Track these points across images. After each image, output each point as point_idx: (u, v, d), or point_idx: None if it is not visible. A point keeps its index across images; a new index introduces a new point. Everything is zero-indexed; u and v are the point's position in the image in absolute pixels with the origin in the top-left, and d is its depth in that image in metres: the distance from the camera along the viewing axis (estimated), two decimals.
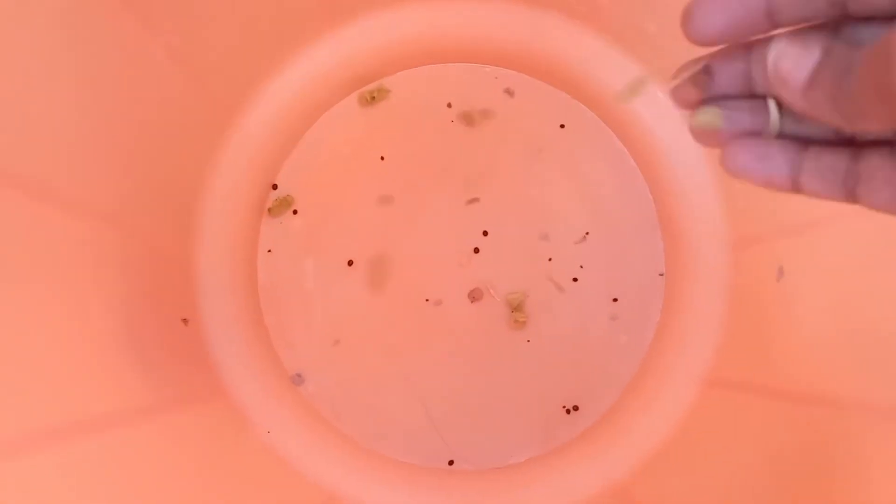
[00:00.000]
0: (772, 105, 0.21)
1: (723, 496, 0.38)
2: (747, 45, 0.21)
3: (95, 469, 0.30)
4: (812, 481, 0.34)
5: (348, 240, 0.46)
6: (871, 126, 0.17)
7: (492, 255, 0.46)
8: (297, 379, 0.44)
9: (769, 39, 0.20)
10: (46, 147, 0.31)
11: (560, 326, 0.45)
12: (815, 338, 0.38)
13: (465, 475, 0.44)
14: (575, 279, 0.45)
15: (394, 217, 0.46)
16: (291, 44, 0.46)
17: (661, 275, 0.46)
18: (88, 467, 0.30)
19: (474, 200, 0.46)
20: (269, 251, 0.46)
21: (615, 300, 0.45)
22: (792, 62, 0.19)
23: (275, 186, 0.46)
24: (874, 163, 0.19)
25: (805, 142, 0.21)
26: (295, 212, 0.46)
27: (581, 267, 0.46)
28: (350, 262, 0.45)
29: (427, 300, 0.45)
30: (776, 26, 0.20)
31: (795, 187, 0.21)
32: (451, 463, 0.44)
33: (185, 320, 0.42)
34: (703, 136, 0.22)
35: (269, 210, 0.46)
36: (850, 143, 0.20)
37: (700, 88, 0.22)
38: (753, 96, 0.21)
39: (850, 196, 0.20)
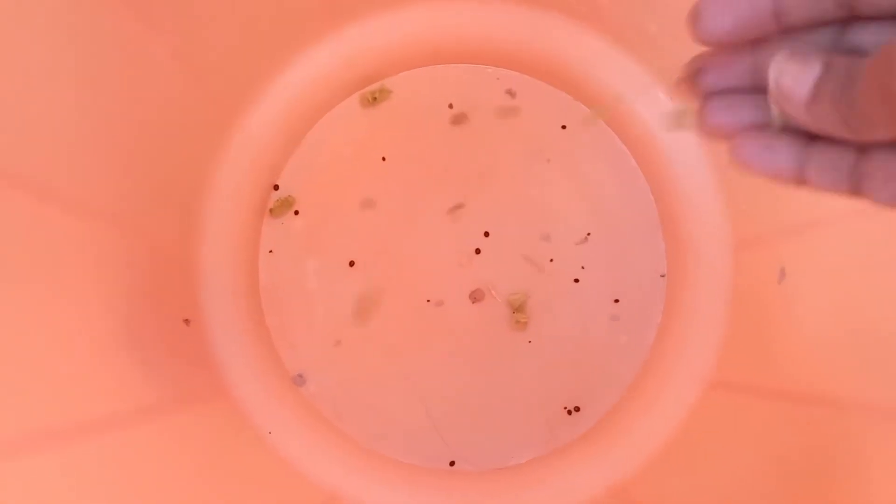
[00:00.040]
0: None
1: (724, 497, 0.38)
2: (754, 41, 0.21)
3: (97, 469, 0.30)
4: (813, 482, 0.34)
5: (350, 240, 0.46)
6: (879, 135, 0.17)
7: (493, 256, 0.46)
8: (299, 379, 0.44)
9: (776, 37, 0.20)
10: (48, 147, 0.31)
11: (561, 327, 0.45)
12: (817, 339, 0.38)
13: (467, 476, 0.44)
14: (576, 280, 0.45)
15: (395, 218, 0.46)
16: (293, 44, 0.46)
17: (663, 276, 0.46)
18: (90, 468, 0.30)
19: (475, 201, 0.46)
20: (271, 252, 0.46)
21: (616, 301, 0.45)
22: (793, 79, 0.19)
23: (276, 187, 0.46)
24: (880, 158, 0.19)
25: (811, 136, 0.21)
26: (296, 212, 0.46)
27: (582, 268, 0.45)
28: (351, 263, 0.45)
29: (428, 301, 0.45)
30: (783, 26, 0.20)
31: (801, 181, 0.21)
32: (452, 464, 0.44)
33: (186, 321, 0.42)
34: (711, 129, 0.22)
35: (271, 210, 0.46)
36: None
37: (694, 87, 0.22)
38: (760, 90, 0.21)
39: (856, 191, 0.20)
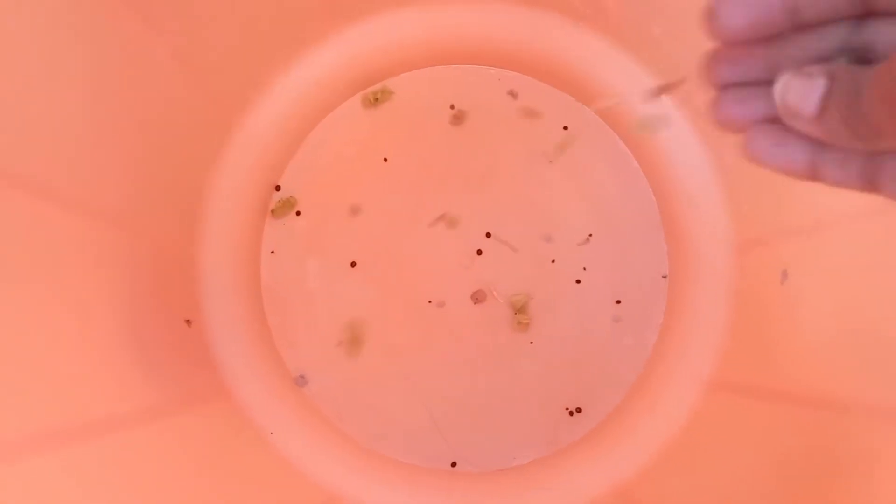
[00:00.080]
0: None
1: (726, 498, 0.38)
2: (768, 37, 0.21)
3: (98, 469, 0.30)
4: (815, 483, 0.34)
5: (351, 241, 0.46)
6: (889, 144, 0.17)
7: (495, 257, 0.46)
8: (301, 380, 0.44)
9: (791, 33, 0.20)
10: (50, 147, 0.31)
11: (563, 328, 0.45)
12: (819, 340, 0.37)
13: (468, 477, 0.44)
14: (578, 281, 0.45)
15: (396, 218, 0.46)
16: (295, 45, 0.46)
17: (665, 277, 0.46)
18: (91, 468, 0.30)
19: (477, 202, 0.46)
20: (273, 252, 0.46)
21: (618, 302, 0.45)
22: (799, 95, 0.19)
23: (278, 188, 0.46)
24: (893, 157, 0.19)
25: None
26: (298, 213, 0.46)
27: (584, 269, 0.45)
28: (353, 264, 0.45)
29: (430, 302, 0.45)
30: (798, 24, 0.20)
31: (814, 175, 0.21)
32: (453, 464, 0.44)
33: (188, 321, 0.42)
34: (722, 122, 0.22)
35: (273, 211, 0.46)
36: None
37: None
38: (772, 84, 0.21)
39: (870, 186, 0.20)
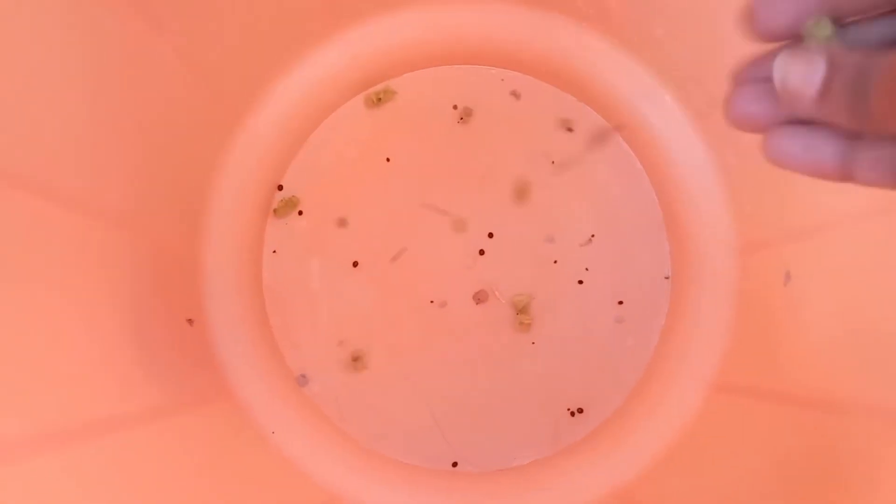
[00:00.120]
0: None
1: (728, 500, 0.38)
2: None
3: (100, 469, 0.30)
4: (819, 486, 0.34)
5: (353, 241, 0.46)
6: (894, 129, 0.17)
7: (497, 257, 0.45)
8: (302, 380, 0.44)
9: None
10: (53, 147, 0.31)
11: (565, 329, 0.45)
12: (823, 342, 0.37)
13: (469, 477, 0.44)
14: (580, 281, 0.45)
15: (398, 218, 0.46)
16: (298, 45, 0.46)
17: (667, 278, 0.46)
18: (93, 468, 0.30)
19: (479, 202, 0.46)
20: (275, 252, 0.46)
21: (620, 303, 0.45)
22: (799, 78, 0.19)
23: (280, 187, 0.46)
24: None
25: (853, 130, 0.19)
26: (300, 213, 0.46)
27: (586, 269, 0.45)
28: (355, 264, 0.45)
29: (432, 302, 0.45)
30: (840, 19, 0.19)
31: (846, 176, 0.20)
32: (454, 465, 0.44)
33: (190, 321, 0.42)
34: (741, 120, 0.21)
35: (275, 211, 0.46)
36: None
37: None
38: None
39: None
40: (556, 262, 0.45)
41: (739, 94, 0.21)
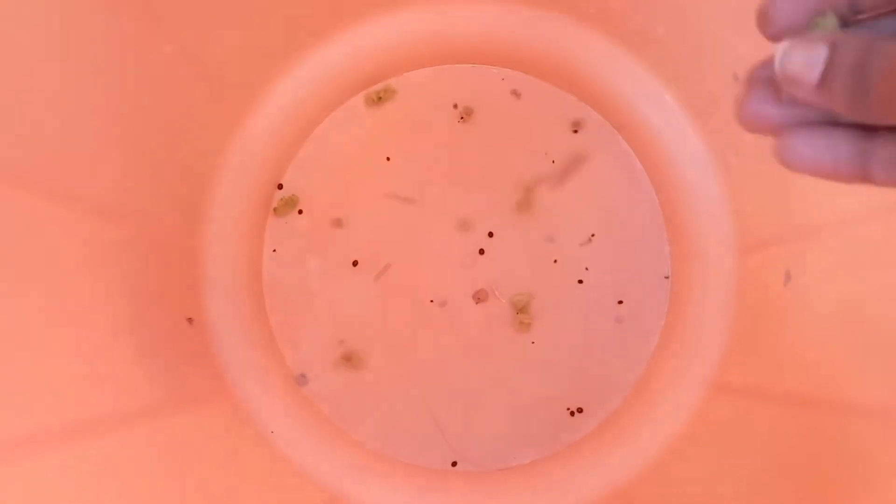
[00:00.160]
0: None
1: (728, 500, 0.38)
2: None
3: (99, 469, 0.30)
4: (818, 486, 0.34)
5: (353, 240, 0.46)
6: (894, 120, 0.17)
7: (497, 257, 0.45)
8: (301, 379, 0.44)
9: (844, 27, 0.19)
10: (53, 146, 0.31)
11: (565, 328, 0.45)
12: (822, 342, 0.37)
13: (469, 476, 0.44)
14: (580, 281, 0.45)
15: (398, 217, 0.46)
16: (298, 44, 0.46)
17: (667, 277, 0.46)
18: (91, 467, 0.30)
19: (480, 202, 0.46)
20: (275, 251, 0.46)
21: (620, 302, 0.45)
22: (799, 64, 0.18)
23: (280, 186, 0.46)
24: None
25: (871, 128, 0.19)
26: (300, 211, 0.46)
27: (586, 269, 0.45)
28: (355, 263, 0.45)
29: (432, 301, 0.45)
30: (853, 20, 0.19)
31: (864, 178, 0.19)
32: (454, 464, 0.44)
33: (189, 319, 0.42)
34: (752, 121, 0.21)
35: (275, 210, 0.46)
36: None
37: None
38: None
39: None
40: (556, 261, 0.45)
41: (751, 95, 0.21)
